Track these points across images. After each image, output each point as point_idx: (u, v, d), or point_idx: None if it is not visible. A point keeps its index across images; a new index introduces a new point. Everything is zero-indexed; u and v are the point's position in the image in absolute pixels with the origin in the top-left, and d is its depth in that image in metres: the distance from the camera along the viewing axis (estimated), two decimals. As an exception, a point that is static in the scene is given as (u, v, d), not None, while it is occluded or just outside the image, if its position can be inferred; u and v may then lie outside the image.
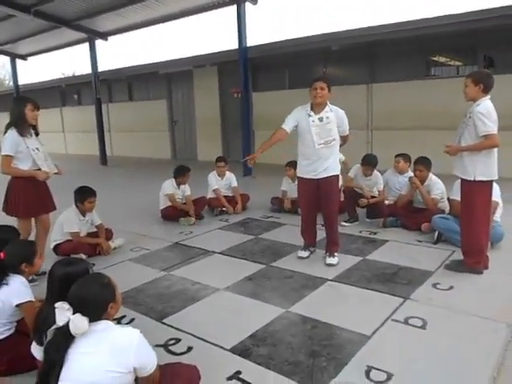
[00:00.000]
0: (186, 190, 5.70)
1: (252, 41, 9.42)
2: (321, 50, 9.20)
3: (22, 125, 3.56)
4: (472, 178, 3.37)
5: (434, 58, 8.68)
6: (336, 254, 3.99)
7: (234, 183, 6.09)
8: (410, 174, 4.98)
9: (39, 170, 3.62)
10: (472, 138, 3.34)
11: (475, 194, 3.41)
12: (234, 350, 2.56)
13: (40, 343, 2.02)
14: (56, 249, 4.30)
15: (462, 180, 3.51)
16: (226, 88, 11.32)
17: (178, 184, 5.60)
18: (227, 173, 6.12)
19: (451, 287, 3.30)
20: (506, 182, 4.73)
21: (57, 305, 1.72)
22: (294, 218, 5.38)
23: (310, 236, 4.15)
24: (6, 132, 3.56)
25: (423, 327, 2.73)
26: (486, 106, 3.31)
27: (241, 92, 9.59)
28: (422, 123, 8.18)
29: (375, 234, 4.76)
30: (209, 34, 46.35)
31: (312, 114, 3.80)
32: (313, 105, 3.82)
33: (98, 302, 1.75)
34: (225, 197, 5.95)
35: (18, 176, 3.59)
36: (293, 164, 5.32)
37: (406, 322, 2.80)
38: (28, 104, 3.58)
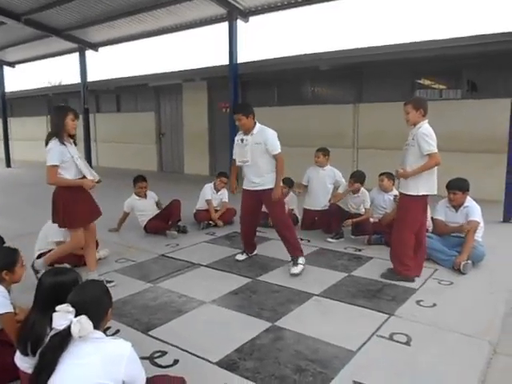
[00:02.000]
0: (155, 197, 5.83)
1: (242, 57, 9.58)
2: (310, 68, 9.38)
3: (64, 134, 3.53)
4: (415, 193, 3.72)
5: (419, 81, 8.92)
6: (300, 261, 4.14)
7: (225, 198, 6.11)
8: (395, 192, 5.08)
9: (83, 178, 3.57)
10: (415, 158, 3.71)
11: (411, 206, 3.79)
12: (220, 364, 2.55)
13: (25, 353, 1.99)
14: (39, 258, 4.23)
15: (404, 195, 3.84)
16: (215, 103, 11.41)
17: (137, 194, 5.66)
18: (223, 189, 6.15)
19: (434, 304, 3.35)
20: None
21: (58, 308, 1.71)
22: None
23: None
24: (47, 143, 3.51)
25: (408, 343, 2.77)
26: (427, 128, 3.72)
27: (229, 107, 9.68)
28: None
29: (360, 250, 4.81)
30: (199, 48, 46.77)
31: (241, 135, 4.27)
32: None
33: (100, 306, 1.79)
34: (215, 211, 5.97)
35: (63, 186, 3.52)
36: (287, 181, 5.44)
37: (390, 337, 2.84)
38: (69, 113, 3.55)
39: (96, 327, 1.73)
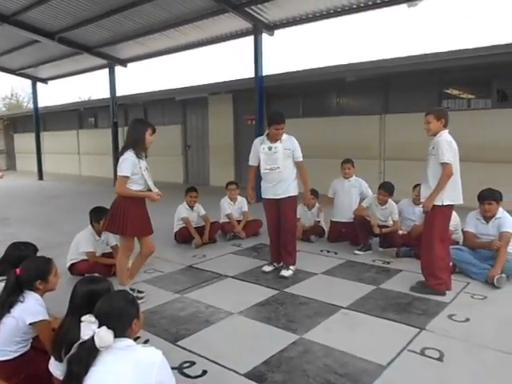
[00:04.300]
0: (200, 210, 5.79)
1: (267, 70, 9.66)
2: (335, 80, 9.38)
3: (140, 147, 3.62)
4: (440, 203, 3.64)
5: (447, 91, 8.80)
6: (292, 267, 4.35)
7: (245, 207, 6.12)
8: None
9: (149, 190, 3.66)
10: (436, 166, 3.66)
11: (437, 217, 3.70)
12: (248, 375, 2.54)
13: (59, 359, 2.03)
14: (71, 268, 4.35)
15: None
16: (240, 115, 11.53)
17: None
18: (238, 197, 6.17)
19: (467, 319, 3.26)
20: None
21: (83, 318, 1.75)
22: (305, 245, 5.39)
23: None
24: (122, 153, 3.61)
25: (440, 359, 2.70)
26: (447, 137, 3.69)
27: (255, 119, 9.76)
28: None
29: (389, 263, 4.73)
30: (225, 62, 47.41)
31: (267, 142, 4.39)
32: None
33: (123, 317, 1.78)
34: (238, 221, 6.00)
35: (128, 196, 3.58)
36: (313, 192, 5.43)
37: (422, 352, 2.77)
38: (149, 128, 3.65)
39: (121, 337, 1.74)
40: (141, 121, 3.94)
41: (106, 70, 12.71)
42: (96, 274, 4.09)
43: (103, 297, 1.92)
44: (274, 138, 4.33)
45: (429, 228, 3.79)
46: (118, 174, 3.54)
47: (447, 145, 3.61)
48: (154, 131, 3.69)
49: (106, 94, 13.06)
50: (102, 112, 15.51)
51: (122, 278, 3.69)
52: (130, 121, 3.89)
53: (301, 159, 4.41)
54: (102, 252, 4.52)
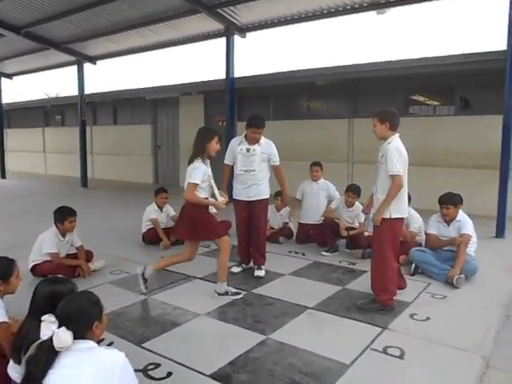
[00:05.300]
0: (170, 211, 5.73)
1: (239, 72, 9.69)
2: (305, 83, 9.50)
3: (205, 155, 3.71)
4: (388, 216, 3.41)
5: (413, 97, 9.06)
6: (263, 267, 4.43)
7: (214, 209, 6.08)
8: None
9: (214, 197, 3.79)
10: (385, 177, 3.42)
11: (386, 231, 3.44)
12: (214, 376, 2.55)
13: (18, 361, 1.98)
14: (34, 269, 4.23)
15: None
16: (212, 116, 11.49)
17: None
18: None
19: (428, 318, 3.37)
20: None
21: (43, 318, 1.71)
22: (273, 246, 5.43)
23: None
24: (192, 161, 3.70)
25: (401, 357, 2.78)
26: (396, 144, 3.44)
27: (226, 121, 9.76)
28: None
29: (354, 264, 4.83)
30: (197, 63, 47.19)
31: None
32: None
33: (84, 318, 1.74)
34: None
35: (196, 203, 3.66)
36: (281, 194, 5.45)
37: (384, 351, 2.85)
38: (215, 136, 3.75)
39: (82, 338, 1.71)
40: (208, 129, 4.01)
41: (75, 67, 12.42)
42: (60, 275, 4.05)
43: (66, 297, 1.89)
44: (251, 140, 4.35)
45: (380, 242, 3.52)
46: (189, 180, 3.63)
47: (397, 154, 3.37)
48: (219, 139, 3.80)
49: (75, 92, 12.76)
50: (69, 110, 15.13)
51: (163, 265, 3.94)
52: (198, 128, 3.97)
53: (278, 163, 4.48)
54: (66, 253, 4.42)
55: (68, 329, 1.67)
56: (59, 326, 1.69)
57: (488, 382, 2.53)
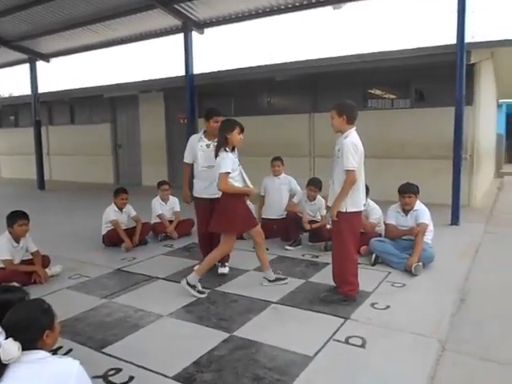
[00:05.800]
0: (131, 211, 5.62)
1: (199, 68, 9.59)
2: (266, 80, 9.51)
3: (229, 146, 3.75)
4: (344, 210, 3.44)
5: (371, 91, 9.26)
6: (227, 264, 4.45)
7: (177, 208, 6.05)
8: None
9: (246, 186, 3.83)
10: (341, 171, 3.43)
11: (343, 224, 3.48)
12: (177, 378, 2.51)
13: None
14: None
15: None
16: (172, 114, 11.34)
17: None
18: (170, 197, 6.08)
19: (388, 306, 3.46)
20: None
21: None
22: (240, 243, 5.42)
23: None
24: (218, 153, 3.74)
25: (363, 346, 2.84)
26: (352, 139, 3.44)
27: (187, 118, 9.64)
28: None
29: (317, 257, 4.90)
30: (156, 60, 46.34)
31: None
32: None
33: (33, 327, 1.67)
34: (169, 221, 5.90)
35: (230, 193, 3.71)
36: None
37: (346, 341, 2.90)
38: (237, 127, 3.78)
39: (32, 349, 1.64)
40: (229, 120, 3.99)
41: (27, 65, 11.92)
42: (14, 283, 3.88)
43: (14, 307, 1.80)
44: (211, 135, 4.27)
45: (339, 235, 3.56)
46: (220, 171, 3.66)
47: (352, 149, 3.38)
48: (242, 130, 3.82)
49: (28, 91, 12.25)
50: (23, 110, 14.53)
51: (204, 268, 3.84)
52: (221, 121, 4.04)
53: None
54: (20, 259, 4.24)
55: (16, 339, 1.60)
56: (6, 337, 1.61)
57: (444, 364, 2.63)
